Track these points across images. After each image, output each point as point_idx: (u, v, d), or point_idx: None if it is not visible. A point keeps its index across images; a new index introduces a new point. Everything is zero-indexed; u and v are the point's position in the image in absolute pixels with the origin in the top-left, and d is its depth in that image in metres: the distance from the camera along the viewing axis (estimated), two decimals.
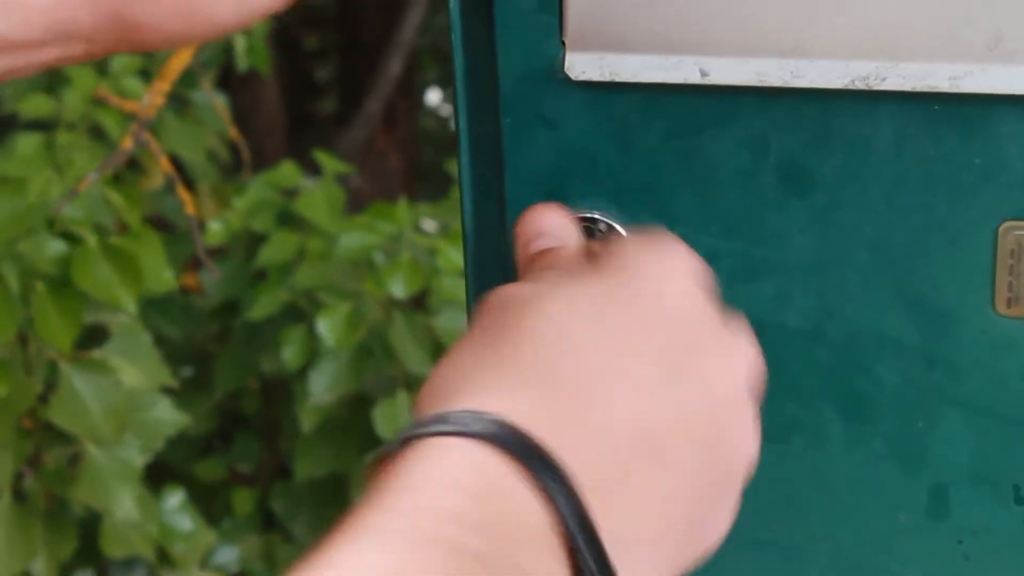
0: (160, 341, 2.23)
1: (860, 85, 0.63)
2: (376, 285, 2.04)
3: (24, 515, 1.76)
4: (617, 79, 0.65)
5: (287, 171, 2.33)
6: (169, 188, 2.30)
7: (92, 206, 1.78)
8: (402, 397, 2.05)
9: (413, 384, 2.08)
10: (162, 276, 1.69)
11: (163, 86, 1.71)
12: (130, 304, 1.63)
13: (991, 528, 0.70)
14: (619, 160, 0.66)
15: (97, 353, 1.71)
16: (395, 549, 0.46)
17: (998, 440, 0.69)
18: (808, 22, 0.63)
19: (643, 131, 0.66)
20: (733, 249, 0.67)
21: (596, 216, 0.67)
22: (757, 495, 0.60)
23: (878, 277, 0.67)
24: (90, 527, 1.88)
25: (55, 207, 1.67)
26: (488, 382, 0.53)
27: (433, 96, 4.60)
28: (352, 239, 2.08)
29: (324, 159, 2.31)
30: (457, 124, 0.68)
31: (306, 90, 4.48)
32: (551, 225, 0.64)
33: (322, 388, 2.06)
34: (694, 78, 0.64)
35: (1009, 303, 0.67)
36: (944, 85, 0.63)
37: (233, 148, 2.58)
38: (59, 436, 1.74)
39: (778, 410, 0.69)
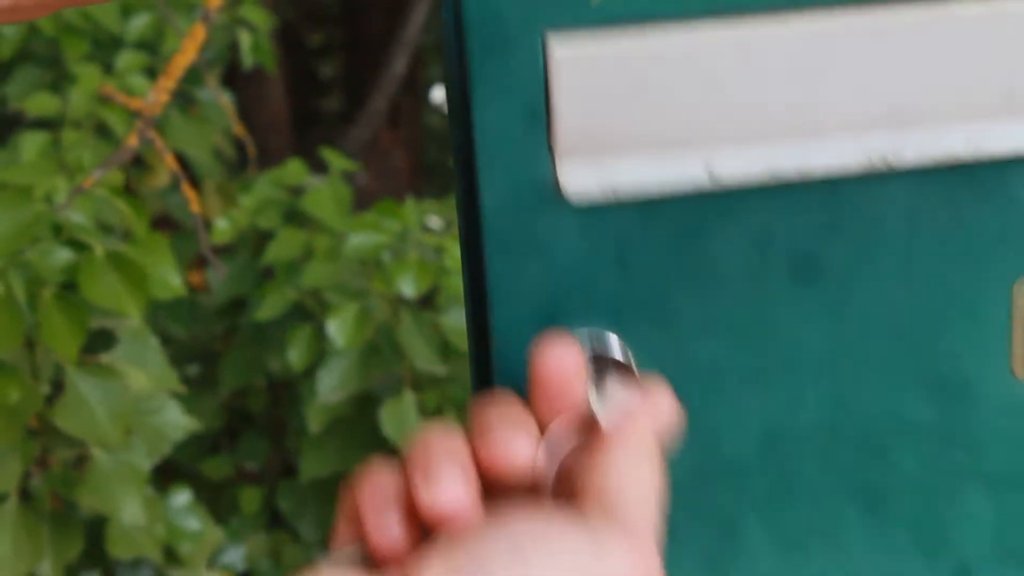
0: (167, 340, 2.23)
1: (879, 163, 0.60)
2: (385, 284, 2.03)
3: (31, 517, 1.75)
4: (619, 194, 0.59)
5: (293, 168, 2.32)
6: (175, 186, 2.30)
7: (98, 209, 1.77)
8: (408, 397, 2.03)
9: (420, 383, 2.07)
10: (170, 283, 1.68)
11: (168, 83, 1.70)
12: (136, 313, 1.62)
13: None
14: (617, 274, 0.62)
15: (104, 358, 1.70)
16: None
17: (1021, 511, 0.67)
18: (814, 96, 0.60)
19: (643, 241, 0.61)
20: (741, 353, 0.63)
21: (607, 356, 0.61)
22: None
23: (894, 360, 0.64)
24: (96, 528, 1.87)
25: (60, 207, 1.66)
26: None
27: (438, 94, 4.60)
28: (361, 239, 2.07)
29: (331, 156, 2.30)
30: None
31: (311, 87, 4.47)
32: (563, 382, 0.59)
33: (330, 387, 2.05)
34: (702, 181, 0.60)
35: None
36: (960, 147, 0.61)
37: (239, 145, 2.57)
38: (65, 438, 1.73)
39: (793, 516, 0.66)
